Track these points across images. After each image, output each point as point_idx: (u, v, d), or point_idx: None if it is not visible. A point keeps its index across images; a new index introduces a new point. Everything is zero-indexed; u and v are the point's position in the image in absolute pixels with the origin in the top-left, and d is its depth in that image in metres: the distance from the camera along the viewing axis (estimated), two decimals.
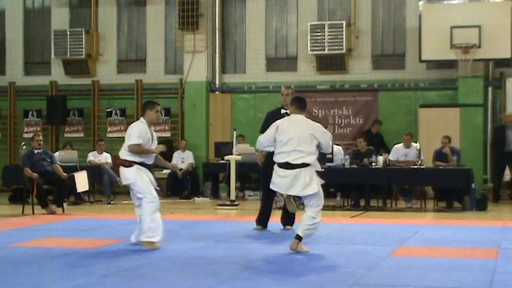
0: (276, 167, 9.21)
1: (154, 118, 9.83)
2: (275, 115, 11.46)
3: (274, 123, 9.38)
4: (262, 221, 11.70)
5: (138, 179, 9.51)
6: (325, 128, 9.77)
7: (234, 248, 9.75)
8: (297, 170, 9.03)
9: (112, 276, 7.63)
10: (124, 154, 9.62)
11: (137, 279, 7.51)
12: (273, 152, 11.37)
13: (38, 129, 20.94)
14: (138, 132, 9.59)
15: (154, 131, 9.98)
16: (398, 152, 16.36)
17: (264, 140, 9.48)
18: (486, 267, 8.16)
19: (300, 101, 9.50)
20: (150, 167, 9.76)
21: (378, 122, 19.15)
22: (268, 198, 11.76)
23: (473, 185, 15.57)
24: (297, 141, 9.05)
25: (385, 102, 19.62)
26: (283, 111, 11.45)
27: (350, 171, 15.99)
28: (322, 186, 9.33)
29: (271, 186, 9.38)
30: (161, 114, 20.16)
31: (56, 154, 17.20)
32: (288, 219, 11.62)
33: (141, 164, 9.61)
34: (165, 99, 20.72)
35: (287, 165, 9.05)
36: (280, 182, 9.16)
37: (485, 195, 16.17)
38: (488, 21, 17.82)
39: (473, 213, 15.00)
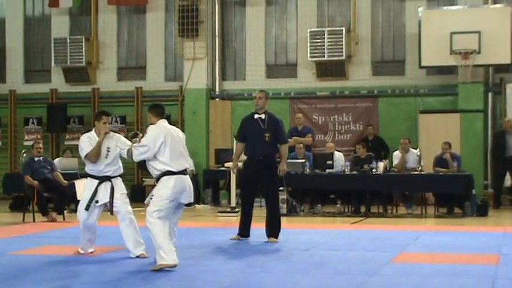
0: (174, 178, 8.63)
1: (101, 129, 9.60)
2: (249, 120, 11.45)
3: (152, 133, 8.74)
4: (243, 230, 11.32)
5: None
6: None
7: (233, 257, 9.77)
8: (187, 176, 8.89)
9: (112, 284, 7.62)
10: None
11: (134, 286, 7.51)
12: (252, 158, 11.35)
13: (39, 136, 20.94)
14: (84, 144, 9.60)
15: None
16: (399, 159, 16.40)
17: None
18: (487, 273, 8.16)
19: (160, 106, 9.19)
20: (105, 179, 9.60)
21: (369, 126, 19.15)
22: (247, 205, 11.40)
23: (473, 190, 15.58)
24: (184, 147, 8.96)
25: (385, 108, 19.62)
26: (256, 115, 11.40)
27: (350, 177, 15.98)
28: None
29: (170, 205, 8.61)
30: None
31: (56, 161, 17.19)
32: (273, 229, 11.19)
33: (90, 176, 9.67)
34: (165, 106, 20.70)
35: (184, 172, 8.81)
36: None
37: (486, 201, 16.18)
38: (488, 27, 17.82)
39: (474, 219, 14.99)
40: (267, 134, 11.22)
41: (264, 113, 11.40)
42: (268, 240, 11.07)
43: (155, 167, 8.67)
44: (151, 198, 8.60)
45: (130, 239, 9.46)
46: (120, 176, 9.75)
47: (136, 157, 8.77)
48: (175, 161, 8.64)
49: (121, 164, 9.76)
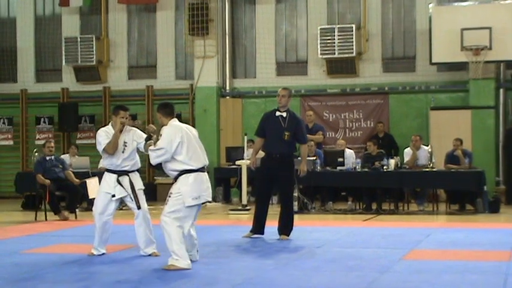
0: (193, 175, 8.50)
1: (118, 127, 9.49)
2: (270, 117, 11.39)
3: (168, 133, 8.59)
4: (256, 227, 11.26)
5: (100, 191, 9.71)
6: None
7: (245, 255, 9.77)
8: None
9: (125, 282, 7.64)
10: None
11: (153, 285, 7.53)
12: (269, 155, 11.31)
13: (50, 136, 21.01)
14: (101, 137, 9.57)
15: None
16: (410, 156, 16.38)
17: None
18: (499, 269, 8.15)
19: (169, 106, 8.96)
20: (123, 173, 9.55)
21: (379, 123, 19.11)
22: (261, 202, 11.36)
23: (485, 187, 15.54)
24: (200, 144, 8.73)
25: (395, 105, 19.60)
26: (278, 113, 11.27)
27: (361, 174, 15.97)
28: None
29: (193, 202, 8.48)
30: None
31: (65, 157, 17.12)
32: (285, 227, 11.15)
33: (108, 170, 9.65)
34: (176, 104, 20.48)
35: (202, 169, 8.62)
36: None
37: (498, 198, 16.14)
38: (499, 23, 17.76)
39: (485, 216, 14.97)
40: (287, 133, 11.11)
41: (286, 111, 11.28)
42: (279, 238, 11.05)
43: (172, 168, 8.54)
44: (169, 197, 8.47)
45: (142, 237, 9.45)
46: (137, 170, 9.72)
47: (154, 160, 8.59)
48: (193, 159, 8.50)
49: (138, 158, 9.73)
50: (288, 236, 11.09)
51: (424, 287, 7.20)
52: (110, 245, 9.86)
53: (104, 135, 9.57)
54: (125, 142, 9.55)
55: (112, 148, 9.46)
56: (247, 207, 16.03)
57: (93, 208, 9.64)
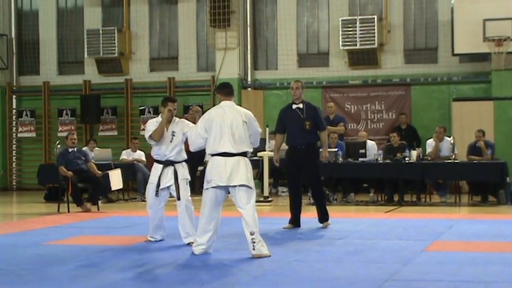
0: (213, 159, 8.61)
1: (166, 115, 9.75)
2: (287, 111, 11.49)
3: (202, 116, 8.87)
4: (293, 220, 11.45)
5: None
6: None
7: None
8: (237, 158, 8.56)
9: (147, 273, 7.68)
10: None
11: (173, 276, 7.56)
12: (294, 148, 11.39)
13: (72, 128, 21.14)
14: (150, 126, 9.83)
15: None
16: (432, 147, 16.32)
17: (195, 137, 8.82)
18: None
19: (226, 86, 8.96)
20: (169, 163, 9.76)
21: (402, 114, 19.05)
22: (294, 194, 11.52)
23: (508, 178, 15.46)
24: (232, 129, 8.59)
25: (418, 96, 19.53)
26: (294, 106, 11.44)
27: (383, 166, 15.93)
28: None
29: (207, 186, 8.67)
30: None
31: (85, 149, 17.11)
32: (322, 217, 11.48)
33: (156, 161, 9.88)
34: (197, 96, 20.84)
35: (225, 154, 8.55)
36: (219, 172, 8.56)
37: None
38: None
39: (508, 207, 14.90)
40: (308, 123, 11.27)
41: (301, 102, 11.43)
42: (322, 226, 11.35)
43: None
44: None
45: (181, 227, 9.67)
46: (185, 161, 9.93)
47: (190, 146, 8.95)
48: (216, 144, 8.59)
49: (184, 148, 9.88)
50: (328, 221, 11.42)
51: (447, 279, 7.17)
52: (135, 236, 9.94)
53: (152, 124, 9.84)
54: (173, 132, 9.79)
55: (157, 134, 9.70)
56: (269, 199, 16.05)
57: (146, 198, 9.99)
